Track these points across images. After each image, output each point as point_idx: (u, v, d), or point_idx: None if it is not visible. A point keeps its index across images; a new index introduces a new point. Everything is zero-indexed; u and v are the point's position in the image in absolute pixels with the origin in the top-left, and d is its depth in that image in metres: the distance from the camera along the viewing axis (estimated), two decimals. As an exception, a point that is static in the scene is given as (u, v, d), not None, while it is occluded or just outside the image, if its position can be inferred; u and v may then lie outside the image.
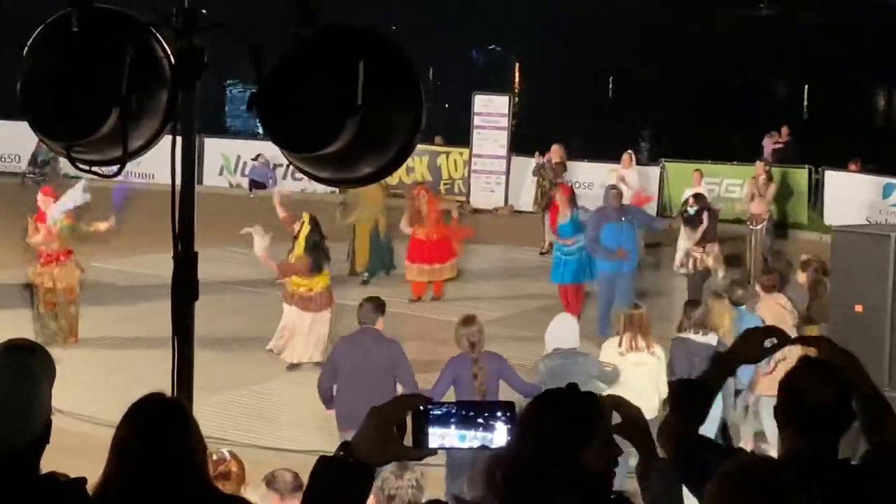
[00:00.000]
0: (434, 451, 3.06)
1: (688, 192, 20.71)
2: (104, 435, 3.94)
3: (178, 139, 4.15)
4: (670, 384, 4.40)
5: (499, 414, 3.09)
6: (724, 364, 4.34)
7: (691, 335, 11.44)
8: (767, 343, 4.24)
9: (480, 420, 3.07)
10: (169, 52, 4.25)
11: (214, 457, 6.06)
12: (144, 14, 4.23)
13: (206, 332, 14.79)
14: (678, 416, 4.21)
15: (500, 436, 3.09)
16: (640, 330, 11.29)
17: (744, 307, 12.50)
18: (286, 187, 24.84)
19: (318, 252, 14.89)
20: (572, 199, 18.06)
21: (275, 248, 15.26)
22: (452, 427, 3.06)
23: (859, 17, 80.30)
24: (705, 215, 17.88)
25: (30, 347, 3.89)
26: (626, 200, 20.28)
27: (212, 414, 12.20)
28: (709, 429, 10.90)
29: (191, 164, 4.21)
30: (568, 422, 3.33)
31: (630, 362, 11.15)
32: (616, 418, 3.62)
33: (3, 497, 3.52)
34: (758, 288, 13.48)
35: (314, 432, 12.50)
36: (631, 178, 21.62)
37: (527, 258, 21.18)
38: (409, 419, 3.07)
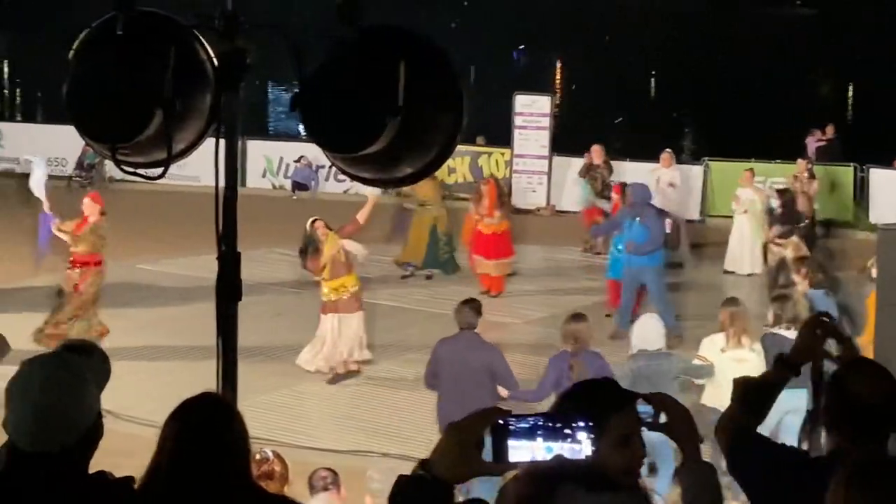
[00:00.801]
0: (515, 466, 2.99)
1: (738, 191, 20.55)
2: (152, 436, 3.98)
3: (222, 141, 4.19)
4: (735, 379, 4.39)
5: (581, 423, 3.02)
6: (787, 364, 4.32)
7: (782, 331, 11.34)
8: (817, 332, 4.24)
9: (563, 430, 3.00)
10: (212, 55, 4.29)
11: (258, 456, 6.10)
12: (188, 17, 4.26)
13: (249, 333, 14.87)
14: (740, 410, 4.20)
15: (582, 445, 3.02)
16: (742, 326, 11.35)
17: (821, 291, 12.49)
18: (330, 189, 24.99)
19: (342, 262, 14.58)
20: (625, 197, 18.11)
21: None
22: (532, 439, 2.98)
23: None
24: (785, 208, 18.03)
25: (87, 349, 3.94)
26: (670, 199, 20.41)
27: (255, 414, 12.24)
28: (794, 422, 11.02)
29: (234, 165, 4.24)
30: (588, 411, 3.33)
31: (730, 359, 11.19)
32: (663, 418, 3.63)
33: (52, 495, 3.57)
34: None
35: (354, 433, 12.57)
36: (671, 177, 21.53)
37: (570, 258, 21.15)
38: (487, 434, 2.99)
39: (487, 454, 3.02)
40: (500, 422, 2.98)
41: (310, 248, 14.54)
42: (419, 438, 12.36)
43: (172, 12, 4.31)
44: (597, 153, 21.72)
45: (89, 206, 15.44)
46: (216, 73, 4.23)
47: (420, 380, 12.18)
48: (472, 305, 11.11)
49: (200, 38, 4.30)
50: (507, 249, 18.96)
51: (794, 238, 17.25)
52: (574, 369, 10.25)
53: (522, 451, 2.98)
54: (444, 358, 10.84)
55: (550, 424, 3.00)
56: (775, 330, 11.45)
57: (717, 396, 11.23)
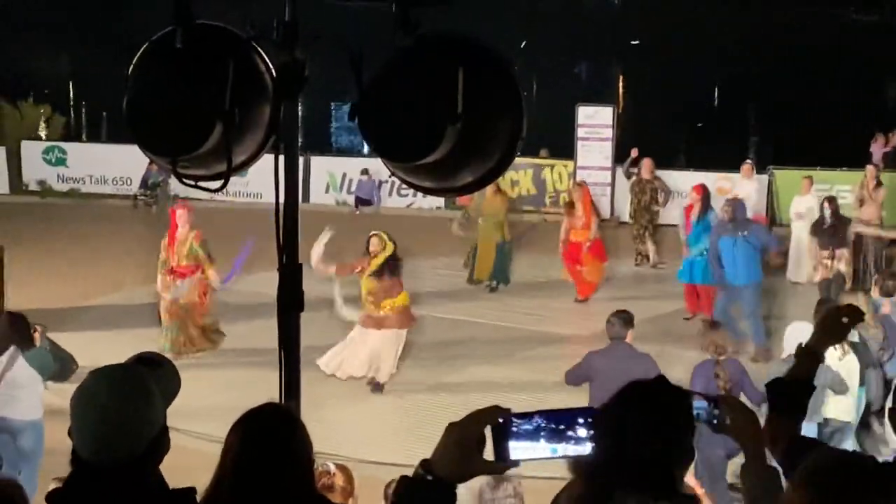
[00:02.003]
0: (516, 464, 2.98)
1: (797, 200, 20.47)
2: (217, 452, 3.98)
3: (281, 152, 4.19)
4: (766, 386, 4.34)
5: (581, 420, 3.02)
6: (809, 353, 4.26)
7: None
8: (844, 320, 4.18)
9: (563, 428, 2.99)
10: (270, 66, 4.29)
11: (319, 468, 6.08)
12: (246, 29, 4.27)
13: (311, 348, 14.94)
14: (778, 416, 4.15)
15: (584, 444, 3.02)
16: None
17: (893, 298, 12.43)
18: (393, 204, 25.04)
19: (393, 278, 14.56)
20: (705, 198, 17.91)
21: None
22: (534, 439, 2.98)
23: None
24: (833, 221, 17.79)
25: (156, 362, 3.95)
26: (748, 213, 20.31)
27: (319, 428, 12.24)
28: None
29: (294, 175, 4.24)
30: (679, 410, 3.30)
31: (844, 368, 11.28)
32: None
33: None
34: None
35: (422, 444, 12.53)
36: (748, 188, 21.37)
37: (634, 270, 21.04)
38: (488, 433, 2.99)
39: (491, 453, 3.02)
40: (501, 420, 2.98)
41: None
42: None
43: (231, 25, 4.32)
44: (647, 167, 21.56)
45: (182, 216, 15.69)
46: (275, 85, 4.23)
47: (488, 392, 12.04)
48: (623, 316, 11.31)
49: (259, 49, 4.31)
50: (602, 254, 19.26)
51: (846, 251, 17.04)
52: (720, 376, 10.52)
53: (524, 449, 2.98)
54: (599, 369, 10.91)
55: (552, 423, 3.00)
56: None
57: (837, 407, 11.22)
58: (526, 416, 3.00)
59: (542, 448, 2.98)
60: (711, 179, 21.86)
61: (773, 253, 17.27)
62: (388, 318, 14.43)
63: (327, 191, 27.12)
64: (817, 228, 18.17)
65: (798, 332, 11.07)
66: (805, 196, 20.41)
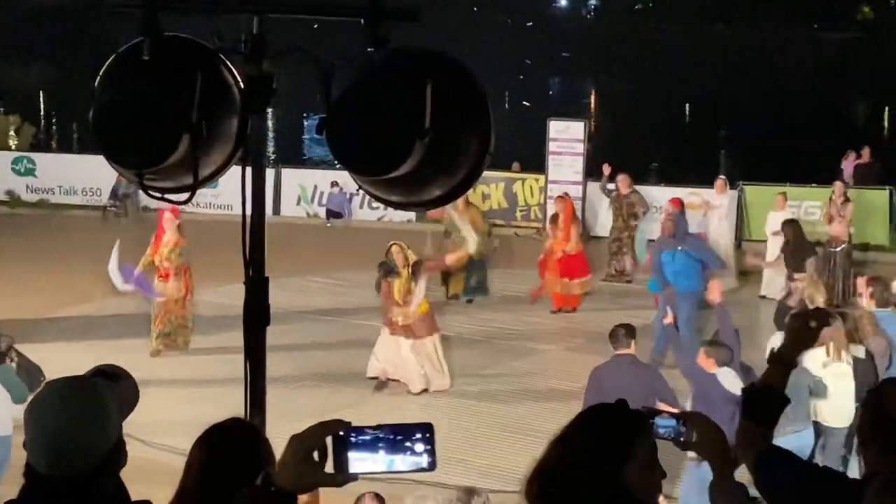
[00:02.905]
0: (355, 477, 2.99)
1: (772, 216, 20.56)
2: (180, 464, 3.96)
3: (249, 164, 4.17)
4: (742, 391, 4.35)
5: (418, 435, 3.03)
6: (780, 360, 4.27)
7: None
8: (812, 325, 4.21)
9: (403, 443, 3.01)
10: (238, 79, 4.28)
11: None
12: (214, 41, 4.26)
13: (284, 361, 14.94)
14: (748, 422, 4.15)
15: (421, 457, 3.03)
16: (841, 340, 11.44)
17: (888, 311, 12.48)
18: (364, 217, 25.05)
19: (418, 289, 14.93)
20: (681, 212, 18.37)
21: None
22: (374, 451, 3.00)
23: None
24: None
25: (115, 374, 3.93)
26: (715, 225, 20.53)
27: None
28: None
29: (260, 188, 4.22)
30: (611, 436, 3.31)
31: (832, 373, 11.36)
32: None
33: None
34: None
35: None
36: (723, 204, 21.58)
37: (607, 285, 21.08)
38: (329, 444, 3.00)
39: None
40: (341, 433, 3.00)
41: (385, 272, 14.93)
42: (458, 465, 12.34)
43: (199, 37, 4.30)
44: (623, 182, 21.64)
45: (168, 220, 16.37)
46: (242, 98, 4.22)
47: (466, 406, 11.98)
48: (627, 328, 11.45)
49: (227, 62, 4.30)
50: (585, 267, 19.42)
51: (810, 271, 17.02)
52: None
53: (363, 461, 2.99)
54: (606, 382, 10.94)
55: (391, 436, 3.01)
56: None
57: (823, 411, 11.34)
58: (365, 429, 3.02)
59: (380, 461, 3.00)
60: (682, 195, 21.91)
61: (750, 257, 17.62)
62: (416, 324, 14.86)
63: (298, 203, 27.10)
64: (783, 249, 18.25)
65: (779, 341, 11.29)
66: (780, 212, 20.52)
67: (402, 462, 3.02)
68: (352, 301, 19.14)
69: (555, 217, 19.76)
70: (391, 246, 14.98)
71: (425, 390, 14.99)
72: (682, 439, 3.60)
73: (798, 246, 17.67)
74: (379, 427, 3.04)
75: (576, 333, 17.96)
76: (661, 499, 5.57)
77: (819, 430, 11.46)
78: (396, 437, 3.02)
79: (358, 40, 4.14)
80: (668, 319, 12.38)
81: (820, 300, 13.63)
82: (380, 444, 3.01)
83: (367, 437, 3.01)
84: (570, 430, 3.37)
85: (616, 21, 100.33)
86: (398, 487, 9.83)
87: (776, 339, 11.42)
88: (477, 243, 19.08)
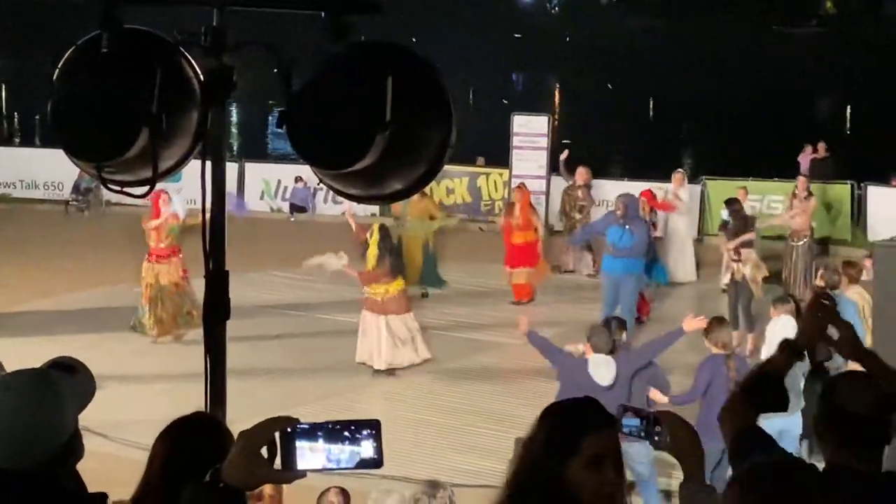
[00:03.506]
0: (304, 474, 3.01)
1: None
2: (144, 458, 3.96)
3: (209, 158, 4.16)
4: (756, 366, 4.39)
5: (366, 432, 3.05)
6: (794, 348, 4.29)
7: None
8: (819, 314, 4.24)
9: (351, 439, 3.03)
10: (199, 72, 4.26)
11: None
12: (174, 34, 4.23)
13: (247, 355, 14.90)
14: (742, 395, 4.17)
15: (369, 453, 3.05)
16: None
17: (838, 291, 12.85)
18: (327, 211, 25.02)
19: (393, 257, 15.52)
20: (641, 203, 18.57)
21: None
22: (321, 447, 3.01)
23: (901, 31, 79.75)
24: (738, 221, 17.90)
25: (71, 367, 3.91)
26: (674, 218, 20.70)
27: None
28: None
29: (221, 182, 4.21)
30: (557, 431, 3.34)
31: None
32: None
33: None
34: (844, 279, 13.80)
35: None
36: (683, 196, 21.75)
37: (569, 278, 21.13)
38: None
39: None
40: (289, 430, 3.01)
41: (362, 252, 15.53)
42: (424, 459, 12.35)
43: (158, 29, 4.28)
44: (581, 175, 21.75)
45: (164, 202, 16.46)
46: (202, 90, 4.20)
47: (425, 398, 11.95)
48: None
49: (187, 54, 4.27)
50: (534, 258, 19.50)
51: (754, 255, 17.11)
52: (731, 367, 10.90)
53: (311, 458, 3.01)
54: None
55: (339, 432, 3.04)
56: None
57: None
58: (314, 425, 3.04)
59: (329, 457, 3.02)
60: (644, 189, 21.95)
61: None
62: (392, 301, 15.27)
63: (262, 197, 27.03)
64: (723, 231, 18.31)
65: (781, 326, 11.73)
66: (741, 206, 20.61)
67: (349, 458, 3.03)
68: (315, 295, 19.10)
69: (511, 207, 19.84)
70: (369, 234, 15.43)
71: (392, 370, 15.27)
72: (656, 438, 3.61)
73: (740, 224, 17.71)
74: (327, 423, 3.05)
75: (537, 326, 17.98)
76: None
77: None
78: (344, 433, 3.03)
79: (319, 33, 4.13)
80: (572, 348, 12.35)
81: (760, 280, 13.87)
82: (327, 441, 3.02)
83: (316, 434, 3.02)
84: (533, 426, 3.40)
85: (580, 16, 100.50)
86: (364, 482, 9.84)
87: (775, 326, 11.66)
88: (428, 233, 19.22)
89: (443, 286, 19.76)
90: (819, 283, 13.67)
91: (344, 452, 3.03)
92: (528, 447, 3.43)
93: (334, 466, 3.02)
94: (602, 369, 10.82)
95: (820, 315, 4.29)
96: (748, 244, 17.34)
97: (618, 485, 3.39)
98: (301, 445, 3.01)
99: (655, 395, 11.13)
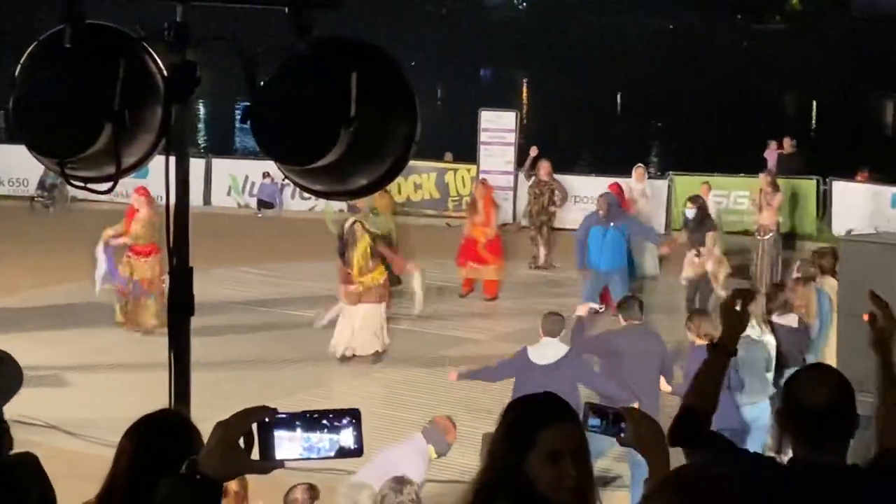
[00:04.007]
0: (282, 464, 2.98)
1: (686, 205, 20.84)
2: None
3: (173, 154, 4.14)
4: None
5: (345, 420, 3.02)
6: (719, 348, 4.30)
7: (774, 317, 12.10)
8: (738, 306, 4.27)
9: (330, 428, 3.00)
10: (162, 68, 4.24)
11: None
12: (137, 29, 4.21)
13: (214, 351, 14.85)
14: (692, 405, 4.19)
15: (348, 442, 3.02)
16: (757, 313, 11.83)
17: (818, 284, 13.04)
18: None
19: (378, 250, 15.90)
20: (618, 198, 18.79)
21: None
22: (300, 436, 2.99)
23: (867, 27, 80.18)
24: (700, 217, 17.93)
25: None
26: (641, 212, 20.73)
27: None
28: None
29: (185, 178, 4.19)
30: (515, 426, 3.36)
31: (765, 344, 11.80)
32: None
33: None
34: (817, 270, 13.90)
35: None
36: (644, 191, 21.89)
37: (536, 273, 21.15)
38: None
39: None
40: (267, 420, 2.98)
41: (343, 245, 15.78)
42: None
43: (121, 25, 4.26)
44: (544, 169, 21.78)
45: (137, 201, 16.66)
46: (166, 86, 4.18)
47: (388, 392, 11.89)
48: (639, 300, 12.03)
49: (150, 50, 4.25)
50: (497, 255, 19.50)
51: (717, 252, 17.15)
52: None
53: (289, 448, 2.98)
54: (619, 347, 11.39)
55: (317, 422, 3.00)
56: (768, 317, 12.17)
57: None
58: (291, 415, 3.00)
59: (307, 447, 2.99)
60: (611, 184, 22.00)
61: (668, 242, 18.51)
62: (374, 290, 15.59)
63: (229, 193, 26.95)
64: (686, 228, 18.35)
65: None
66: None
67: (328, 447, 3.00)
68: (283, 291, 19.06)
69: (474, 203, 19.85)
70: (353, 223, 15.70)
71: (378, 352, 15.65)
72: (621, 435, 3.63)
73: (700, 222, 17.72)
74: (305, 413, 3.02)
75: (500, 321, 18.04)
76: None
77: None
78: (323, 422, 3.00)
79: (283, 29, 4.12)
80: (582, 311, 12.50)
81: (721, 276, 13.83)
82: (306, 430, 2.99)
83: (294, 423, 2.99)
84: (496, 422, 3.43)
85: (548, 12, 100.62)
86: (331, 477, 9.83)
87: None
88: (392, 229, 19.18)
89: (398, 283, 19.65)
90: (796, 275, 13.75)
91: (323, 441, 2.99)
92: (491, 443, 3.45)
93: (314, 456, 3.00)
94: (546, 349, 11.06)
95: (738, 306, 4.31)
96: (710, 241, 17.37)
97: (580, 479, 3.39)
98: (279, 435, 2.97)
99: (662, 382, 11.37)
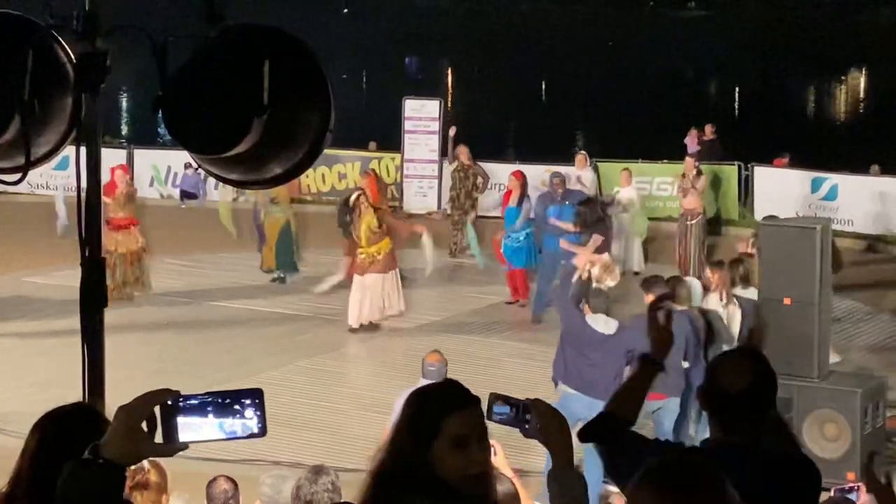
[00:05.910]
0: (186, 446, 2.97)
1: (618, 191, 20.97)
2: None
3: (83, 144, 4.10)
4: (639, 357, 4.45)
5: (248, 400, 3.02)
6: (649, 364, 4.34)
7: (738, 290, 12.64)
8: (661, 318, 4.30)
9: (233, 408, 2.99)
10: (72, 57, 4.19)
11: (132, 467, 5.96)
12: (45, 18, 4.16)
13: (136, 345, 14.74)
14: (613, 413, 4.21)
15: (252, 422, 3.02)
16: (727, 285, 12.44)
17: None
18: (221, 198, 24.78)
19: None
20: (524, 184, 18.43)
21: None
22: (204, 419, 2.97)
23: (789, 12, 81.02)
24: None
25: None
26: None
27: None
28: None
29: (97, 168, 4.14)
30: (420, 414, 3.37)
31: (730, 315, 12.24)
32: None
33: None
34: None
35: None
36: (585, 177, 22.04)
37: (462, 261, 21.18)
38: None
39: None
40: (169, 402, 2.97)
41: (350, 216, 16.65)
42: (313, 446, 12.32)
43: (29, 13, 4.20)
44: (464, 153, 21.76)
45: (120, 177, 17.84)
46: (75, 76, 4.13)
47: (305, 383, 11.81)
48: (663, 279, 12.17)
49: (59, 39, 4.20)
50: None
51: (606, 257, 16.37)
52: (698, 318, 11.69)
53: (193, 430, 2.97)
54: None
55: (220, 402, 2.99)
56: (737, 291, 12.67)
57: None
58: (194, 396, 2.99)
59: (211, 428, 2.98)
60: (539, 172, 22.10)
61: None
62: (384, 260, 16.47)
63: (151, 184, 26.71)
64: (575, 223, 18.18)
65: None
66: (625, 188, 20.96)
67: (232, 428, 2.99)
68: (207, 282, 18.97)
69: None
70: (358, 196, 16.66)
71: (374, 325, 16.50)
72: (526, 427, 3.64)
73: (589, 221, 17.32)
74: (208, 394, 3.00)
75: (428, 309, 18.05)
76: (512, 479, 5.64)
77: None
78: (226, 402, 2.99)
79: (194, 17, 4.09)
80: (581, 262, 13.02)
81: (609, 282, 13.50)
82: (209, 411, 2.97)
83: (196, 405, 2.97)
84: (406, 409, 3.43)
85: None
86: (253, 468, 9.82)
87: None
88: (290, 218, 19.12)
89: (295, 273, 19.48)
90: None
91: (227, 422, 2.99)
92: (393, 433, 3.44)
93: (219, 437, 2.99)
94: (601, 324, 11.31)
95: (661, 317, 4.35)
96: (592, 243, 16.69)
97: (485, 464, 3.41)
98: (183, 418, 2.96)
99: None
